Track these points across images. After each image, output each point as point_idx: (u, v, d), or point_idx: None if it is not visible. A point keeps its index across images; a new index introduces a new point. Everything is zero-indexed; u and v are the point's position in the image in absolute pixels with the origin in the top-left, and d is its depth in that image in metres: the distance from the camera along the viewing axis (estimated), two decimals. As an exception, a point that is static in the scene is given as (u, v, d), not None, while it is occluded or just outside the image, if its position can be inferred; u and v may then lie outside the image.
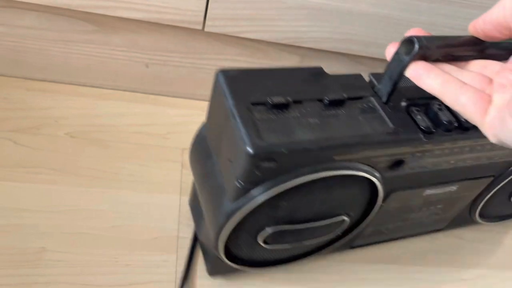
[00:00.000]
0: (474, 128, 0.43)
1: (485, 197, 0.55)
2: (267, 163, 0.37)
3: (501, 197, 0.57)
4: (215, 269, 0.50)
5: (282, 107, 0.39)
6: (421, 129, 0.42)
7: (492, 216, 0.63)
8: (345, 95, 0.42)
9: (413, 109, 0.43)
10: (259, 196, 0.39)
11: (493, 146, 0.47)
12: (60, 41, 0.64)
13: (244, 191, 0.39)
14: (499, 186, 0.54)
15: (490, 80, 0.36)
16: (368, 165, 0.42)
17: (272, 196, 0.39)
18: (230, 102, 0.39)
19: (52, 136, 0.59)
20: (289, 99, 0.40)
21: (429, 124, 0.43)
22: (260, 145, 0.36)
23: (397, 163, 0.43)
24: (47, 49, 0.64)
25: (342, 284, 0.54)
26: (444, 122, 0.43)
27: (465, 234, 0.64)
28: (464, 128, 0.44)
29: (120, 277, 0.49)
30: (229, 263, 0.47)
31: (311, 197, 0.42)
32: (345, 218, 0.46)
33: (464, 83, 0.35)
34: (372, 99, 0.43)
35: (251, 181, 0.38)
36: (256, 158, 0.36)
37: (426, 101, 0.45)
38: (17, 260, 0.47)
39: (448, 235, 0.62)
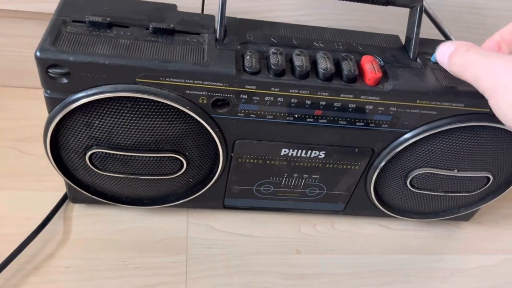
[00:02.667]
0: (311, 76, 0.41)
1: (372, 176, 0.51)
2: (58, 70, 0.38)
3: (395, 180, 0.52)
4: (74, 197, 0.53)
5: (101, 26, 0.41)
6: (244, 69, 0.41)
7: (402, 208, 0.57)
8: (172, 26, 0.42)
9: (248, 51, 0.42)
10: (58, 107, 0.41)
11: (344, 106, 0.44)
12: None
13: (53, 101, 0.41)
14: (382, 164, 0.49)
15: None
16: (183, 97, 0.41)
17: (73, 109, 0.41)
18: (53, 16, 0.41)
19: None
20: (109, 20, 0.41)
21: (256, 65, 0.41)
22: (49, 50, 0.38)
23: (222, 103, 0.42)
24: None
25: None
26: (272, 65, 0.41)
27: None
28: (301, 76, 0.42)
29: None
30: (69, 182, 0.49)
31: (124, 120, 0.42)
32: (178, 156, 0.45)
33: None
34: (207, 35, 0.43)
35: (52, 90, 0.40)
36: (42, 61, 0.38)
37: (267, 48, 0.43)
38: (26, 268, 0.48)
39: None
